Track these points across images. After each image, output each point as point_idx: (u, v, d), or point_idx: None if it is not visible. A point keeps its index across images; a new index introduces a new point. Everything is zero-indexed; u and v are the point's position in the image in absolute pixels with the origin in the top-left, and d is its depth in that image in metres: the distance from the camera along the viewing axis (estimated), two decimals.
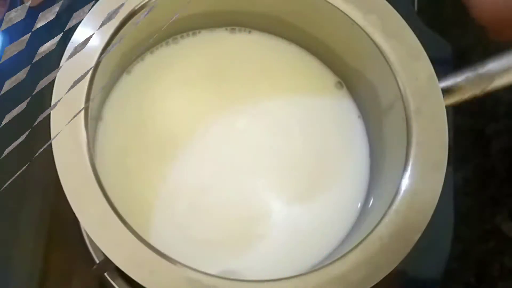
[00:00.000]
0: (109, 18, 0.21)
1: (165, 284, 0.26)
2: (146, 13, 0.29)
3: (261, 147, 0.35)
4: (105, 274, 0.36)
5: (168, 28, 0.35)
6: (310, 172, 0.35)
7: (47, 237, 0.38)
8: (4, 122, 0.22)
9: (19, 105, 0.22)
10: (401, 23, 0.32)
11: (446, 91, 0.31)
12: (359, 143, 0.36)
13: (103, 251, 0.26)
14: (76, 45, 0.30)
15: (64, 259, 0.38)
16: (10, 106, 0.43)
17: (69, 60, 0.29)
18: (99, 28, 0.29)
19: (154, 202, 0.33)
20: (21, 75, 0.21)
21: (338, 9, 0.32)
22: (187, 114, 0.35)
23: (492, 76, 0.30)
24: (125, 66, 0.35)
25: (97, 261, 0.36)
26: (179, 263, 0.27)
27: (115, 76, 0.34)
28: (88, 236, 0.37)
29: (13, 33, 0.43)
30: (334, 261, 0.28)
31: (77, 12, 0.21)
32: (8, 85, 0.21)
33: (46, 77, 0.22)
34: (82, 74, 0.29)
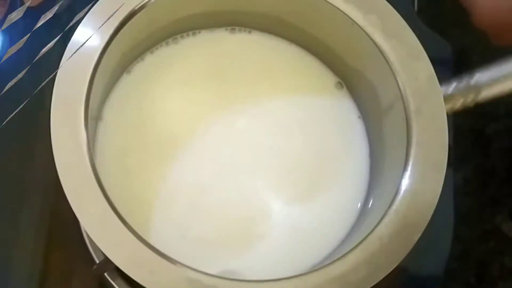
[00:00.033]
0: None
1: (165, 284, 0.26)
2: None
3: (261, 147, 0.35)
4: (105, 274, 0.36)
5: (168, 28, 0.35)
6: (310, 172, 0.35)
7: (47, 237, 0.38)
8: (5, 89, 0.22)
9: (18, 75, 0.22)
10: (401, 23, 0.32)
11: None
12: (359, 143, 0.36)
13: (103, 251, 0.26)
14: (76, 45, 0.30)
15: (64, 259, 0.38)
16: (10, 106, 0.43)
17: (69, 60, 0.29)
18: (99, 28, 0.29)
19: (154, 202, 0.33)
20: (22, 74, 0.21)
21: (338, 9, 0.32)
22: (187, 114, 0.35)
23: (479, 87, 0.30)
24: (125, 66, 0.35)
25: (97, 261, 0.36)
26: (179, 263, 0.27)
27: (115, 76, 0.34)
28: (88, 236, 0.37)
29: (13, 33, 0.43)
30: (334, 261, 0.28)
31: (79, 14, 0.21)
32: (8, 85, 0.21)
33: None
34: (83, 72, 0.29)
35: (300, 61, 0.37)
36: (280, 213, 0.33)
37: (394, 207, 0.29)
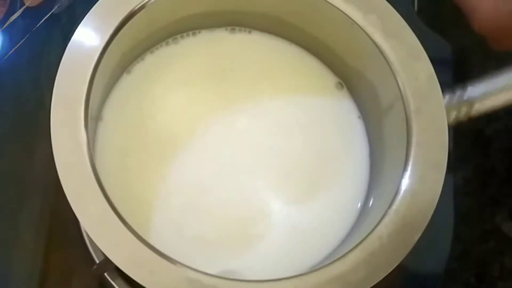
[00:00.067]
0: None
1: (165, 284, 0.26)
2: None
3: (261, 147, 0.35)
4: (105, 274, 0.36)
5: (168, 28, 0.35)
6: (310, 172, 0.35)
7: (47, 237, 0.38)
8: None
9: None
10: (401, 23, 0.32)
11: None
12: (359, 143, 0.36)
13: (103, 251, 0.26)
14: (76, 45, 0.30)
15: (64, 259, 0.38)
16: (10, 106, 0.43)
17: (69, 60, 0.29)
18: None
19: (154, 202, 0.33)
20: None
21: (338, 9, 0.32)
22: (187, 114, 0.35)
23: (472, 101, 0.30)
24: (125, 66, 0.35)
25: (97, 261, 0.36)
26: (179, 263, 0.27)
27: (115, 76, 0.34)
28: (88, 236, 0.37)
29: (13, 33, 0.43)
30: (334, 261, 0.28)
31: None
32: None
33: None
34: (83, 72, 0.29)
35: (300, 61, 0.37)
36: (280, 213, 0.33)
37: (394, 207, 0.29)
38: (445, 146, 0.30)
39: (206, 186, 0.33)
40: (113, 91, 0.34)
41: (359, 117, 0.36)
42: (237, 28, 0.37)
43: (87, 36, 0.30)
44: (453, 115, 0.31)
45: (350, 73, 0.36)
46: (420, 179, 0.30)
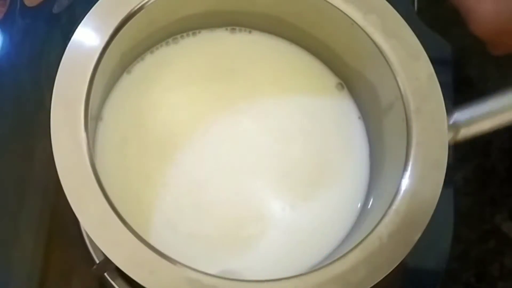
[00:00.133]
0: None
1: (165, 284, 0.26)
2: None
3: (261, 147, 0.35)
4: (105, 274, 0.36)
5: (168, 28, 0.35)
6: (310, 172, 0.35)
7: (47, 237, 0.38)
8: None
9: None
10: (401, 23, 0.32)
11: None
12: (359, 144, 0.36)
13: (103, 251, 0.26)
14: (76, 45, 0.30)
15: (64, 259, 0.38)
16: (10, 106, 0.43)
17: (69, 60, 0.29)
18: None
19: (154, 202, 0.33)
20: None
21: (338, 9, 0.32)
22: (187, 114, 0.35)
23: (458, 126, 0.31)
24: (125, 66, 0.35)
25: (97, 261, 0.36)
26: (179, 263, 0.27)
27: (115, 76, 0.34)
28: (88, 236, 0.37)
29: (13, 33, 0.43)
30: (334, 261, 0.28)
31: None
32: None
33: None
34: (83, 72, 0.29)
35: (301, 61, 0.37)
36: (280, 213, 0.33)
37: (394, 207, 0.29)
38: (445, 146, 0.30)
39: (206, 186, 0.33)
40: (113, 91, 0.34)
41: (359, 118, 0.36)
42: (237, 28, 0.37)
43: (87, 36, 0.30)
44: None
45: (350, 73, 0.36)
46: (420, 179, 0.30)
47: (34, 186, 0.39)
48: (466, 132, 0.31)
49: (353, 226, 0.33)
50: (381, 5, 0.32)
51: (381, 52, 0.31)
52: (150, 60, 0.36)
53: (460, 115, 0.31)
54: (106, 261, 0.34)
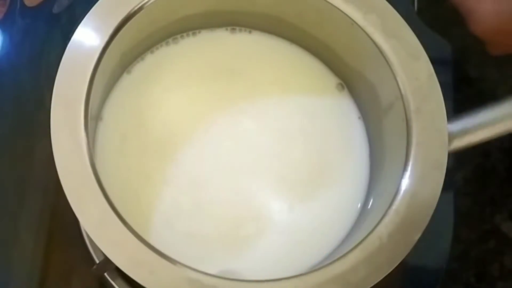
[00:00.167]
0: None
1: (165, 284, 0.26)
2: None
3: (261, 147, 0.35)
4: (105, 274, 0.36)
5: (168, 28, 0.35)
6: (310, 172, 0.35)
7: (47, 237, 0.38)
8: None
9: None
10: (401, 23, 0.32)
11: None
12: (359, 144, 0.36)
13: (103, 251, 0.26)
14: (76, 45, 0.30)
15: (64, 259, 0.38)
16: (10, 106, 0.43)
17: (69, 60, 0.29)
18: None
19: (154, 202, 0.33)
20: None
21: (338, 9, 0.32)
22: (187, 114, 0.35)
23: (451, 138, 0.31)
24: (125, 66, 0.35)
25: (97, 261, 0.36)
26: (179, 263, 0.27)
27: (115, 76, 0.34)
28: (88, 236, 0.37)
29: (13, 33, 0.43)
30: (334, 261, 0.28)
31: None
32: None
33: None
34: (83, 72, 0.29)
35: (301, 61, 0.37)
36: (280, 213, 0.33)
37: (394, 207, 0.29)
38: (445, 146, 0.30)
39: (206, 186, 0.33)
40: (113, 91, 0.34)
41: (359, 118, 0.36)
42: (237, 28, 0.37)
43: (87, 36, 0.30)
44: None
45: (350, 73, 0.36)
46: (420, 179, 0.30)
47: (34, 186, 0.39)
48: (459, 144, 0.31)
49: (353, 226, 0.33)
50: (381, 5, 0.32)
51: (381, 52, 0.31)
52: (150, 60, 0.36)
53: (453, 127, 0.31)
54: (106, 261, 0.34)
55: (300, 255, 0.33)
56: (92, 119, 0.30)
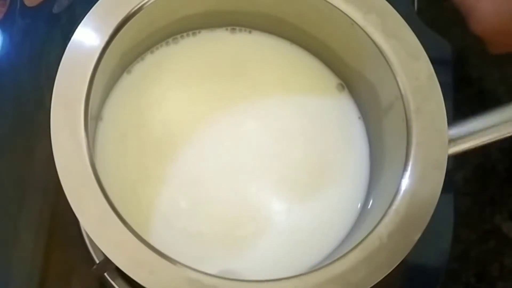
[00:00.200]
0: None
1: (165, 284, 0.26)
2: None
3: (261, 147, 0.35)
4: (105, 274, 0.36)
5: (168, 28, 0.35)
6: (310, 172, 0.35)
7: (47, 237, 0.38)
8: None
9: None
10: (401, 23, 0.32)
11: None
12: (359, 144, 0.36)
13: (103, 251, 0.26)
14: (76, 45, 0.30)
15: (64, 259, 0.38)
16: (10, 106, 0.43)
17: (69, 60, 0.29)
18: None
19: (154, 202, 0.33)
20: None
21: (338, 9, 0.32)
22: (187, 114, 0.35)
23: (450, 141, 0.31)
24: (125, 65, 0.35)
25: (97, 261, 0.36)
26: (179, 263, 0.27)
27: (115, 76, 0.34)
28: (88, 236, 0.37)
29: (13, 33, 0.43)
30: (334, 261, 0.28)
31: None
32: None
33: None
34: (83, 72, 0.29)
35: (301, 61, 0.37)
36: (280, 213, 0.33)
37: (394, 207, 0.29)
38: (445, 146, 0.30)
39: (206, 186, 0.33)
40: (113, 91, 0.34)
41: (359, 118, 0.36)
42: (237, 28, 0.37)
43: (87, 36, 0.30)
44: None
45: (350, 73, 0.36)
46: (420, 179, 0.30)
47: (34, 186, 0.39)
48: (457, 149, 0.31)
49: (353, 226, 0.33)
50: (381, 5, 0.32)
51: (381, 52, 0.31)
52: (150, 60, 0.36)
53: (450, 131, 0.31)
54: (106, 261, 0.34)
55: (300, 255, 0.33)
56: (92, 119, 0.30)
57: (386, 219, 0.29)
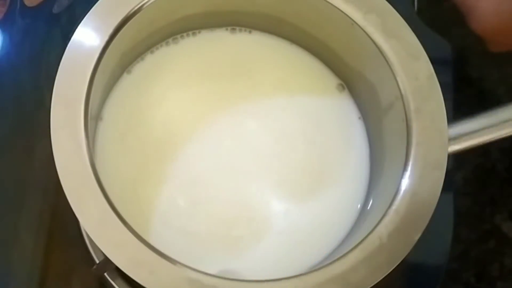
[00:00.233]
0: None
1: (165, 284, 0.26)
2: None
3: (261, 147, 0.35)
4: (105, 274, 0.36)
5: (168, 28, 0.35)
6: (310, 172, 0.35)
7: (47, 237, 0.38)
8: None
9: None
10: (401, 23, 0.32)
11: None
12: (359, 144, 0.36)
13: (103, 251, 0.26)
14: (76, 45, 0.30)
15: (64, 259, 0.38)
16: (10, 106, 0.43)
17: (69, 60, 0.29)
18: None
19: (154, 202, 0.33)
20: None
21: (338, 9, 0.32)
22: (187, 114, 0.35)
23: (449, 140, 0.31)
24: (125, 65, 0.35)
25: (97, 261, 0.36)
26: (179, 263, 0.27)
27: (115, 76, 0.34)
28: (88, 236, 0.37)
29: (13, 33, 0.43)
30: (334, 261, 0.28)
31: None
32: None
33: None
34: (83, 72, 0.29)
35: (301, 61, 0.37)
36: (280, 213, 0.33)
37: (394, 207, 0.29)
38: (445, 146, 0.30)
39: (207, 186, 0.33)
40: (113, 91, 0.34)
41: (359, 118, 0.36)
42: (237, 28, 0.37)
43: (87, 36, 0.30)
44: None
45: (350, 73, 0.36)
46: (420, 179, 0.30)
47: (34, 186, 0.39)
48: (457, 147, 0.31)
49: (353, 226, 0.33)
50: (381, 5, 0.32)
51: (381, 52, 0.31)
52: (150, 60, 0.36)
53: (451, 130, 0.31)
54: (106, 261, 0.34)
55: (300, 255, 0.33)
56: (92, 119, 0.30)
57: (386, 219, 0.29)
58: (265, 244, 0.33)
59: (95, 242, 0.26)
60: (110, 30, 0.30)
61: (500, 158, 0.48)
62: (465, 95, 0.47)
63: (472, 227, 0.46)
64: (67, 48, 0.29)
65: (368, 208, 0.33)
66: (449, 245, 0.40)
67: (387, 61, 0.31)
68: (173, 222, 0.32)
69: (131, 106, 0.34)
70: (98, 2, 0.31)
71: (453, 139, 0.31)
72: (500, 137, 0.31)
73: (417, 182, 0.29)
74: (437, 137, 0.30)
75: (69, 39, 0.30)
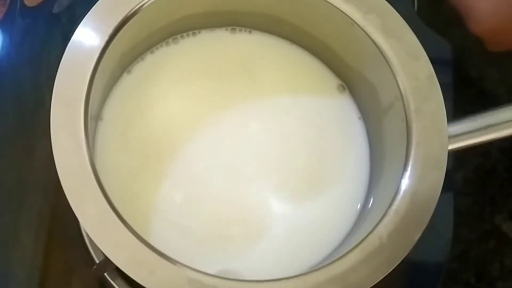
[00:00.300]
0: None
1: (165, 284, 0.26)
2: None
3: (261, 148, 0.35)
4: (105, 274, 0.36)
5: (168, 28, 0.35)
6: (310, 172, 0.35)
7: (47, 237, 0.38)
8: None
9: None
10: (401, 23, 0.32)
11: None
12: (360, 144, 0.36)
13: (103, 251, 0.26)
14: (76, 45, 0.30)
15: (64, 259, 0.38)
16: (10, 106, 0.43)
17: (69, 60, 0.29)
18: None
19: (154, 202, 0.33)
20: None
21: (338, 9, 0.32)
22: (187, 114, 0.35)
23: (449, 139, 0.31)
24: (125, 65, 0.35)
25: (97, 261, 0.36)
26: (179, 263, 0.27)
27: (115, 76, 0.34)
28: (88, 236, 0.37)
29: (13, 33, 0.43)
30: (334, 261, 0.28)
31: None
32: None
33: None
34: (83, 72, 0.29)
35: (301, 61, 0.37)
36: (280, 213, 0.33)
37: (394, 207, 0.29)
38: (445, 146, 0.30)
39: (207, 186, 0.33)
40: (113, 91, 0.34)
41: (359, 118, 0.36)
42: (237, 28, 0.37)
43: (87, 36, 0.30)
44: None
45: (350, 73, 0.36)
46: (420, 179, 0.30)
47: (34, 186, 0.39)
48: (456, 145, 0.31)
49: (353, 226, 0.33)
50: (381, 5, 0.32)
51: (381, 52, 0.31)
52: (150, 60, 0.36)
53: (452, 129, 0.31)
54: (106, 261, 0.34)
55: (300, 255, 0.33)
56: (92, 119, 0.30)
57: (386, 219, 0.29)
58: (265, 244, 0.33)
59: (95, 242, 0.26)
60: (110, 30, 0.30)
61: (500, 158, 0.48)
62: (465, 95, 0.47)
63: (472, 227, 0.46)
64: (67, 48, 0.29)
65: (368, 208, 0.33)
66: (449, 245, 0.40)
67: (387, 61, 0.31)
68: (173, 222, 0.32)
69: (131, 106, 0.34)
70: (98, 2, 0.31)
71: (452, 137, 0.31)
72: (500, 137, 0.31)
73: (417, 182, 0.29)
74: (437, 137, 0.30)
75: (69, 39, 0.30)
